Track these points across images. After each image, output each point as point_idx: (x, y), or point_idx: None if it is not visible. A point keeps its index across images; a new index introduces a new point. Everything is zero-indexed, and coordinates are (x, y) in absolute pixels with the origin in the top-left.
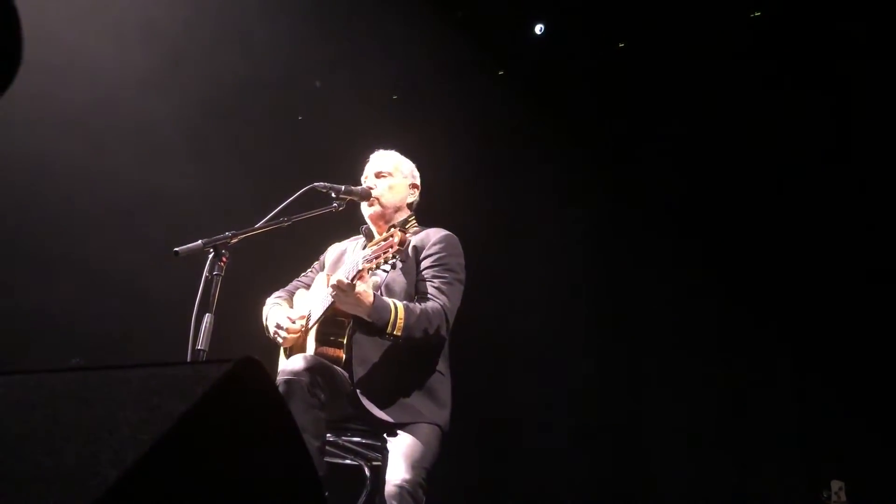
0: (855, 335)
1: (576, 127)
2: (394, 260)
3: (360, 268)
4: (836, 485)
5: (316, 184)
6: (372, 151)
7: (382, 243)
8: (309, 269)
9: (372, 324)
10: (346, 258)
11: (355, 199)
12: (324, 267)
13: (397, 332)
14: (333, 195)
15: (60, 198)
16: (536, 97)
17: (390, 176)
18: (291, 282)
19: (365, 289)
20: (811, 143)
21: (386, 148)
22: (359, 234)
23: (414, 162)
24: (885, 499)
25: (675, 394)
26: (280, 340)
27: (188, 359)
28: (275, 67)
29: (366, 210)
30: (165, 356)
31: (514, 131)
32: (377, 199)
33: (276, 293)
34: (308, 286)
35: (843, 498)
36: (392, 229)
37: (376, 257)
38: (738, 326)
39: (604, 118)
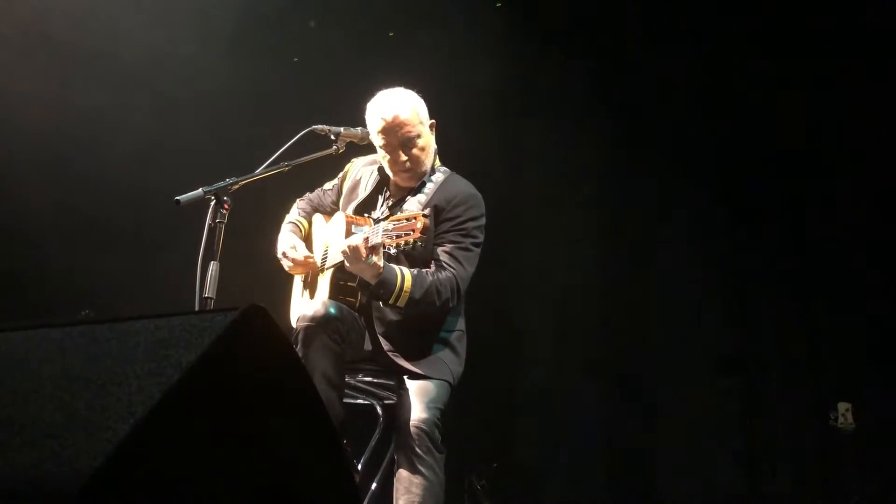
0: (864, 261)
1: (577, 49)
2: (413, 244)
3: (379, 240)
4: (842, 407)
5: (314, 126)
6: (370, 97)
7: (405, 222)
8: (332, 182)
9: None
10: (359, 192)
11: (355, 140)
12: (342, 183)
13: (400, 304)
14: (333, 137)
15: (61, 149)
16: (536, 26)
17: (419, 137)
18: (314, 191)
19: (375, 261)
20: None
21: (388, 88)
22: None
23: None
24: (893, 419)
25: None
26: (285, 266)
27: (196, 308)
28: (269, 8)
29: (398, 175)
30: (172, 306)
31: (515, 62)
32: (412, 168)
33: (300, 203)
34: (328, 210)
35: (851, 419)
36: (417, 211)
37: (398, 236)
38: (745, 244)
39: (602, 38)
